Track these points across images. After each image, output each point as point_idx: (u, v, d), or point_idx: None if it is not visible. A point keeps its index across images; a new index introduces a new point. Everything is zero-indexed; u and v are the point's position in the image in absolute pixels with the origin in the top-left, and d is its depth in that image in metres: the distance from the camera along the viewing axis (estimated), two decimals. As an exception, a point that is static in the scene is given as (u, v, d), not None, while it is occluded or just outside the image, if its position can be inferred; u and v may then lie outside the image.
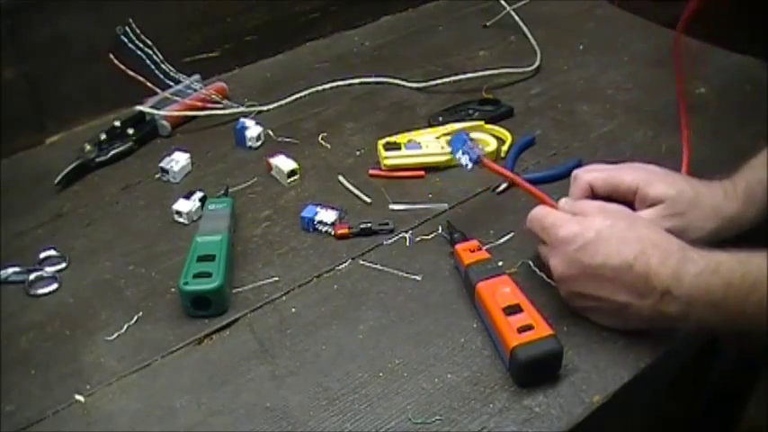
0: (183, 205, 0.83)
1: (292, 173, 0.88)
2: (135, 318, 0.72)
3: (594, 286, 0.66)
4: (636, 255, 0.64)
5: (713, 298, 0.61)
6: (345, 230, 0.80)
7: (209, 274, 0.71)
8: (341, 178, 0.88)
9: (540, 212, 0.71)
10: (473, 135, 0.92)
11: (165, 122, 0.97)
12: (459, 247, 0.75)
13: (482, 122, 0.95)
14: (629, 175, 0.74)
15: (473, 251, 0.74)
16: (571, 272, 0.67)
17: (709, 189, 0.74)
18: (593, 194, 0.76)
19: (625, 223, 0.67)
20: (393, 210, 0.83)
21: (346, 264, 0.78)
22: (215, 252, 0.74)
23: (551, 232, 0.68)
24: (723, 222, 0.72)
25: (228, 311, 0.72)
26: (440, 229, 0.81)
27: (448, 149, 0.86)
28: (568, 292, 0.69)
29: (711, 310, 0.62)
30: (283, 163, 0.89)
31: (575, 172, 0.77)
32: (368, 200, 0.85)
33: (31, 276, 0.76)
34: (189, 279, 0.71)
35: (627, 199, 0.74)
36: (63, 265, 0.78)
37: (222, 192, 0.85)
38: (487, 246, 0.77)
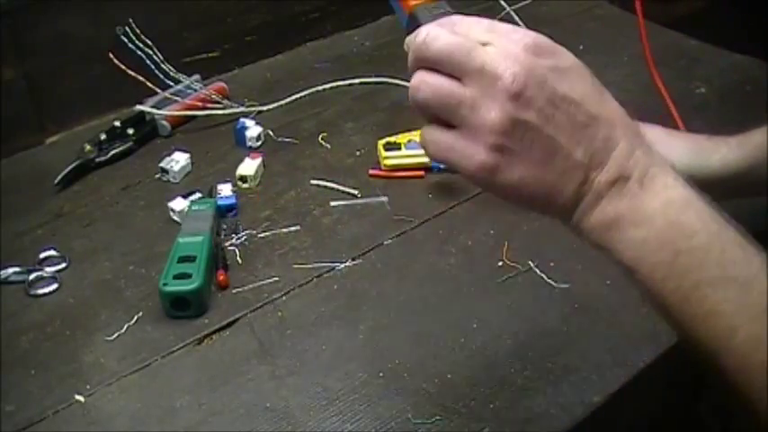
0: (177, 204, 0.83)
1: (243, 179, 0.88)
2: (135, 318, 0.72)
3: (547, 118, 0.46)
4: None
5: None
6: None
7: (188, 275, 0.71)
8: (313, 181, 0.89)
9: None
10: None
11: (165, 122, 0.97)
12: None
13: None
14: None
15: None
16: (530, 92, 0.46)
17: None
18: None
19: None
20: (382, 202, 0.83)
21: (346, 264, 0.78)
22: (196, 253, 0.74)
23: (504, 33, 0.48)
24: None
25: (229, 311, 0.72)
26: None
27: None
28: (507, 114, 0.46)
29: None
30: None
31: None
32: (356, 193, 0.86)
33: (31, 276, 0.76)
34: (169, 280, 0.71)
35: None
36: (63, 265, 0.78)
37: (207, 193, 0.85)
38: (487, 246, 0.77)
